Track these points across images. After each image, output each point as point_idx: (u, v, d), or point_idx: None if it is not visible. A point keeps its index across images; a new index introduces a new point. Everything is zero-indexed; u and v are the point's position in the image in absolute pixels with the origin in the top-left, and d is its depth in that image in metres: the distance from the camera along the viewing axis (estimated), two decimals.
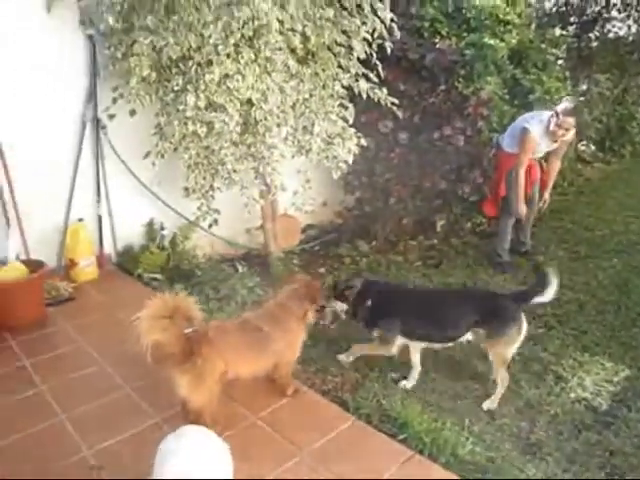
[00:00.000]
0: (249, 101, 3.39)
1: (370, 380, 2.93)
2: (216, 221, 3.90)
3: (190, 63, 3.29)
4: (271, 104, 3.41)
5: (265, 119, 3.46)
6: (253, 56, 3.29)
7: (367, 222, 5.18)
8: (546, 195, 4.88)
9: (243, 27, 3.15)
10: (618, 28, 8.32)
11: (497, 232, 4.86)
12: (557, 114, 4.24)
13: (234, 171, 3.58)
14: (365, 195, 5.05)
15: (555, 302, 3.99)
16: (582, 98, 8.09)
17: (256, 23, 3.15)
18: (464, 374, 3.10)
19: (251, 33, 3.21)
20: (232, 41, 3.14)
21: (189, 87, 3.29)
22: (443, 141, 4.61)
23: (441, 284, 4.34)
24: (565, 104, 4.36)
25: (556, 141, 4.42)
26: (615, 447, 2.60)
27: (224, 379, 2.39)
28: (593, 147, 8.72)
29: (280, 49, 3.34)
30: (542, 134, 4.35)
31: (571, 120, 4.24)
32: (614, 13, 8.08)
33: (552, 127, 4.27)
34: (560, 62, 7.35)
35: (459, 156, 4.79)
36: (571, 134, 4.45)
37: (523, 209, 4.57)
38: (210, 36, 3.11)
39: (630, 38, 8.34)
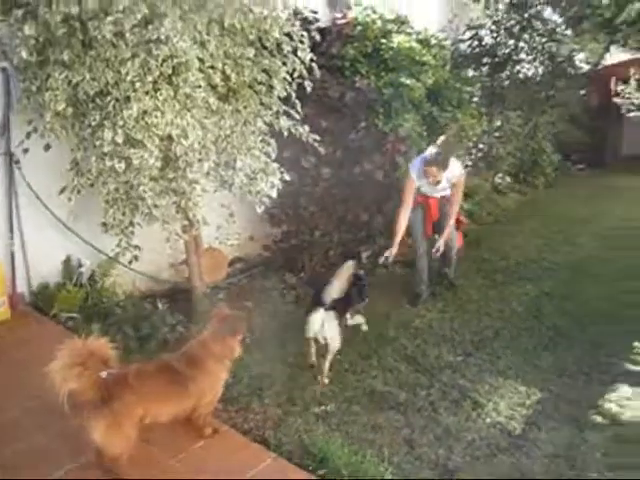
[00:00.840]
0: (169, 137, 3.37)
1: (292, 415, 2.92)
2: (136, 257, 3.79)
3: (108, 99, 3.23)
4: (191, 140, 3.39)
5: (186, 154, 3.44)
6: (172, 93, 3.28)
7: (294, 254, 5.21)
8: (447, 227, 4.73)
9: (162, 65, 3.16)
10: (527, 69, 8.95)
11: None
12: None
13: (155, 206, 3.51)
14: (291, 228, 5.11)
15: (473, 329, 4.21)
16: (497, 134, 8.63)
17: (175, 61, 3.18)
18: (385, 405, 3.16)
19: (170, 71, 3.22)
20: (150, 78, 3.14)
21: (106, 123, 3.23)
22: (364, 175, 4.76)
23: (367, 313, 4.36)
24: (429, 151, 4.38)
25: (437, 182, 4.41)
26: (526, 468, 2.72)
27: (142, 424, 2.33)
28: (508, 179, 9.28)
29: (200, 86, 3.35)
30: (420, 175, 4.40)
31: (434, 169, 4.26)
32: (522, 55, 8.68)
33: (422, 172, 4.35)
34: (475, 100, 7.80)
35: (379, 190, 4.96)
36: (450, 178, 4.45)
37: (393, 249, 4.46)
38: (127, 73, 3.10)
39: (537, 78, 8.99)
